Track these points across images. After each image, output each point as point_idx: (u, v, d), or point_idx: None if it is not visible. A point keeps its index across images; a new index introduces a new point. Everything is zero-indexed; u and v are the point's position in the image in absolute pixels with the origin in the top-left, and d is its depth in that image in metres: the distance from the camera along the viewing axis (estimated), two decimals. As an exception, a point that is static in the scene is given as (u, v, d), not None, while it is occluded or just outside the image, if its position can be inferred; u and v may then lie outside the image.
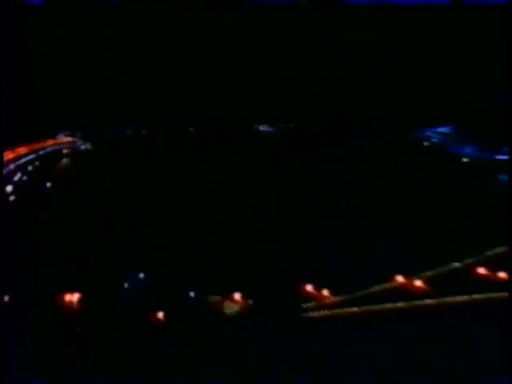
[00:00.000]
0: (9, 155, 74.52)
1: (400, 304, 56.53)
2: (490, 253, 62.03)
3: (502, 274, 59.45)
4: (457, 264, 61.10)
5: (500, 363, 47.58)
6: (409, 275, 60.45)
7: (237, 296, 56.87)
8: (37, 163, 78.36)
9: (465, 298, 56.24)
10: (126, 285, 59.29)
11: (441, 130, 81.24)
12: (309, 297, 58.38)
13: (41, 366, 53.48)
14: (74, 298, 57.95)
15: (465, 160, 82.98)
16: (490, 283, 57.77)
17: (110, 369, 50.15)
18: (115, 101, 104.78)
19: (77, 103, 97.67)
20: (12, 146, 76.41)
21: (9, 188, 72.18)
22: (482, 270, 59.01)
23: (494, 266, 59.48)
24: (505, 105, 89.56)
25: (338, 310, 58.07)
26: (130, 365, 51.00)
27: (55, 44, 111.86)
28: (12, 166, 73.17)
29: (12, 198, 73.31)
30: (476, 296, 56.59)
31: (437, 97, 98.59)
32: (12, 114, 78.11)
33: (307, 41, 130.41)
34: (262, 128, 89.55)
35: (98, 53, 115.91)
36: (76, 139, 78.04)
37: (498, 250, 62.62)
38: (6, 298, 58.98)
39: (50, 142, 75.99)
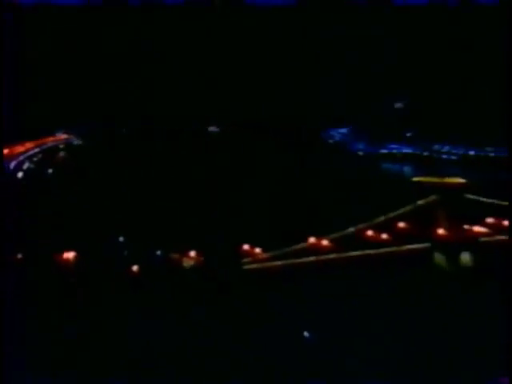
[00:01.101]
0: (19, 149, 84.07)
1: (312, 258, 69.12)
2: (376, 220, 72.75)
3: (384, 236, 70.61)
4: (352, 228, 71.93)
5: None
6: (318, 237, 70.95)
7: (192, 253, 68.57)
8: (40, 155, 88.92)
9: (358, 253, 68.69)
10: (111, 246, 69.67)
11: (341, 130, 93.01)
12: (246, 254, 69.89)
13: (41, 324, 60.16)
14: (70, 255, 68.58)
15: (360, 153, 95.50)
16: (376, 243, 69.75)
17: (100, 308, 59.52)
18: (109, 100, 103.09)
19: (74, 103, 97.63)
20: (18, 142, 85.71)
21: (20, 174, 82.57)
22: (370, 233, 71.16)
23: (378, 230, 71.30)
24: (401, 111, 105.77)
25: (267, 264, 69.15)
26: (115, 306, 60.18)
27: (55, 44, 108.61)
28: (22, 157, 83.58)
29: (22, 180, 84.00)
30: (367, 251, 68.57)
31: (340, 102, 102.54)
32: (14, 114, 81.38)
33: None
34: (210, 128, 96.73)
35: (97, 53, 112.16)
36: (70, 136, 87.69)
37: (382, 218, 72.87)
38: (16, 256, 67.74)
39: (50, 138, 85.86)
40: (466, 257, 69.45)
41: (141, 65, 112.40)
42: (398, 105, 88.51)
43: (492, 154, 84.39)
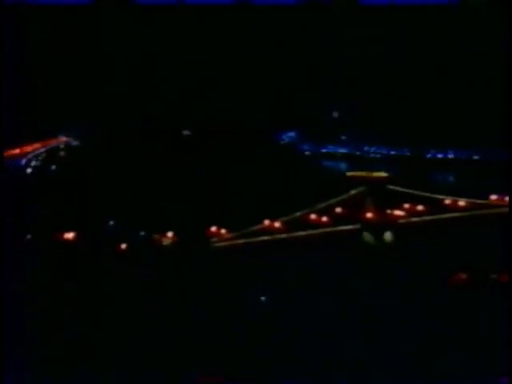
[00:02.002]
0: (28, 149, 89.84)
1: (266, 237, 77.07)
2: (318, 206, 79.68)
3: (325, 218, 78.63)
4: (298, 213, 79.02)
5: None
6: (272, 219, 78.27)
7: (169, 234, 76.61)
8: (44, 154, 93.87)
9: (303, 233, 76.86)
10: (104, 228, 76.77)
11: (290, 133, 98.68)
12: (213, 234, 77.51)
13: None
14: (70, 235, 76.09)
15: (307, 153, 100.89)
16: (317, 224, 77.73)
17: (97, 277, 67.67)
18: (110, 101, 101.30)
19: (74, 104, 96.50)
20: (27, 143, 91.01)
21: (28, 170, 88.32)
22: (313, 216, 78.81)
23: (319, 214, 78.65)
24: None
25: (231, 242, 77.06)
26: (106, 276, 68.49)
27: (54, 45, 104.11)
28: (30, 156, 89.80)
29: (30, 174, 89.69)
30: (311, 231, 76.80)
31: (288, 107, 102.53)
32: (20, 116, 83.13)
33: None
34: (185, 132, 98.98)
35: (96, 55, 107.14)
36: (70, 138, 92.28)
37: (322, 204, 79.79)
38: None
39: (53, 140, 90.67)
40: (388, 235, 78.43)
41: (132, 67, 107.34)
42: (335, 113, 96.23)
43: (408, 154, 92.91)
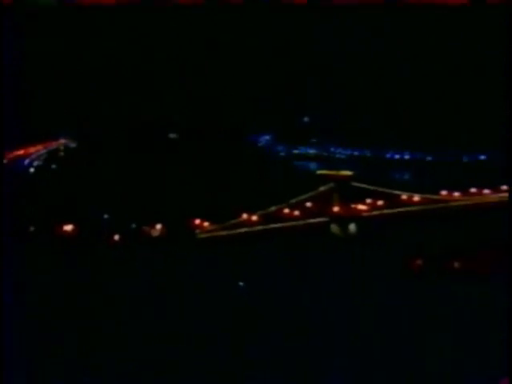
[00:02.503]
0: (31, 150, 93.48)
1: (244, 229, 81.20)
2: (290, 201, 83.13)
3: (297, 212, 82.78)
4: (273, 207, 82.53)
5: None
6: (250, 213, 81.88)
7: (158, 226, 79.62)
8: (45, 155, 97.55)
9: (278, 225, 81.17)
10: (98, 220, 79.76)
11: (265, 136, 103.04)
12: (197, 226, 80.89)
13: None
14: (68, 227, 79.34)
15: (281, 154, 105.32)
16: (290, 218, 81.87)
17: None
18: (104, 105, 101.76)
19: (72, 109, 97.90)
20: (30, 145, 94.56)
21: (31, 169, 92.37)
22: (286, 211, 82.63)
23: (292, 208, 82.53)
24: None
25: (213, 233, 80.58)
26: (103, 263, 71.90)
27: (54, 46, 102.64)
28: (33, 156, 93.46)
29: (33, 173, 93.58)
30: (284, 224, 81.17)
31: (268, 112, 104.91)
32: (19, 119, 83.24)
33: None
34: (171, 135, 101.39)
35: (95, 57, 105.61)
36: (68, 140, 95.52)
37: (295, 200, 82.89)
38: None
39: (54, 142, 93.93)
40: (352, 226, 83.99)
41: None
42: (305, 118, 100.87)
43: (369, 154, 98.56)
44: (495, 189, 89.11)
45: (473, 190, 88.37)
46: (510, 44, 78.62)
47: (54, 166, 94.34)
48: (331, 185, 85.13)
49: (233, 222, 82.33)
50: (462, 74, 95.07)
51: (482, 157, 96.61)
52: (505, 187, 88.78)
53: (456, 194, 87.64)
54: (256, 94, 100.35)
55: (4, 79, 76.32)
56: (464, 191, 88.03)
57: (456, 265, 74.39)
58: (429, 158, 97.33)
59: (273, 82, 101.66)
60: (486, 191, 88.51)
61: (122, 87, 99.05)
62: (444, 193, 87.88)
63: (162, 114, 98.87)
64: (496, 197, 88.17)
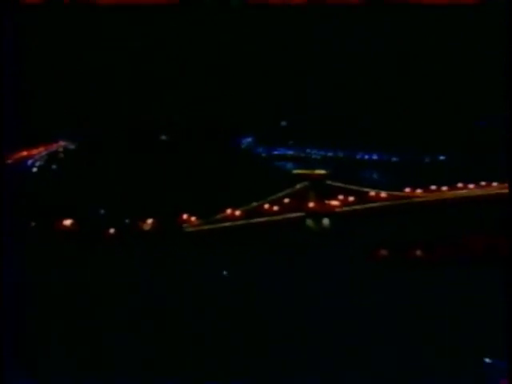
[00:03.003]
0: (34, 151, 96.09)
1: (228, 223, 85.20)
2: (270, 198, 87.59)
3: (276, 208, 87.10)
4: (255, 203, 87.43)
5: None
6: (233, 209, 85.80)
7: (149, 221, 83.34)
8: (46, 156, 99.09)
9: (259, 219, 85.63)
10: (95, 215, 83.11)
11: (248, 139, 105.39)
12: (185, 221, 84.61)
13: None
14: (68, 222, 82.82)
15: (262, 155, 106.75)
16: (271, 213, 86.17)
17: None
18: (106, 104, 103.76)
19: (72, 112, 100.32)
20: (32, 146, 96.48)
21: (34, 169, 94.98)
22: (266, 206, 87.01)
23: (272, 204, 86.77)
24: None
25: (199, 227, 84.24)
26: (99, 255, 75.07)
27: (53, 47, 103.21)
28: (36, 157, 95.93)
29: (36, 173, 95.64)
30: (265, 218, 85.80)
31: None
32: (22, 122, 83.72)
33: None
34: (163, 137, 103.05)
35: (94, 58, 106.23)
36: (67, 142, 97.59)
37: (274, 196, 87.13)
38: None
39: (54, 144, 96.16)
40: (326, 221, 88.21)
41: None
42: (283, 122, 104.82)
43: (341, 155, 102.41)
44: (452, 186, 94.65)
45: (433, 187, 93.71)
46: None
47: (54, 167, 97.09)
48: (307, 183, 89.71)
49: (218, 216, 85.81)
50: (427, 83, 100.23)
51: (441, 157, 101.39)
52: (461, 185, 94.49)
53: (418, 190, 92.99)
54: (241, 101, 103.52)
55: (4, 79, 76.12)
56: (425, 188, 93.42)
57: (417, 254, 78.87)
58: (394, 159, 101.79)
59: (255, 91, 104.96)
60: (444, 188, 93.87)
61: (115, 89, 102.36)
62: (407, 190, 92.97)
63: (155, 117, 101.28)
64: (453, 193, 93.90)
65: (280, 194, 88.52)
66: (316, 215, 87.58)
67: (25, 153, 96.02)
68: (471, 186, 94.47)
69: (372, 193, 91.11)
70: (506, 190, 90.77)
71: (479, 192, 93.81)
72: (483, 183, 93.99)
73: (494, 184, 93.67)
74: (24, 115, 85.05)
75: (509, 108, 62.74)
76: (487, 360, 52.73)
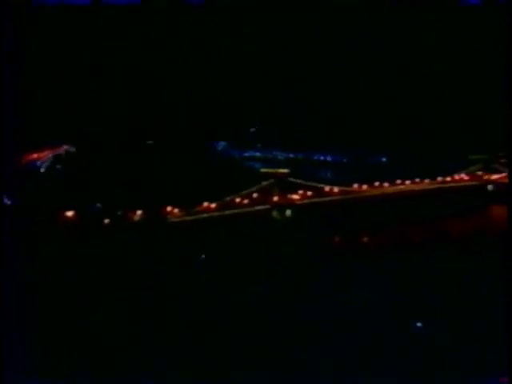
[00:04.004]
0: (42, 154, 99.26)
1: (205, 215, 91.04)
2: (240, 193, 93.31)
3: (246, 201, 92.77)
4: (228, 197, 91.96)
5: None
6: (209, 202, 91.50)
7: (139, 212, 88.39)
8: (52, 158, 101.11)
9: (231, 211, 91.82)
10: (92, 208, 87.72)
11: (222, 142, 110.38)
12: (169, 212, 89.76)
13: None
14: (70, 213, 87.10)
15: (234, 156, 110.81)
16: (241, 206, 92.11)
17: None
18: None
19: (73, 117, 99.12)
20: (40, 150, 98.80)
21: (42, 169, 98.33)
22: (237, 200, 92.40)
23: (242, 198, 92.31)
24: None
25: (181, 218, 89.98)
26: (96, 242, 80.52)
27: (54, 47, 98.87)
28: (44, 158, 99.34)
29: (43, 172, 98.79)
30: (236, 211, 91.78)
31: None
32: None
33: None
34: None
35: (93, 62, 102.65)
36: (69, 146, 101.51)
37: (244, 192, 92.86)
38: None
39: (59, 148, 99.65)
40: (288, 212, 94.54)
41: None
42: (252, 128, 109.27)
43: (301, 156, 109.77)
44: (392, 183, 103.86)
45: (376, 183, 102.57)
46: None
47: (58, 167, 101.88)
48: (272, 180, 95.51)
49: (196, 209, 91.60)
50: (376, 88, 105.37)
51: (384, 159, 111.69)
52: (399, 181, 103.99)
53: (364, 186, 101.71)
54: (215, 109, 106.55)
55: (4, 79, 72.72)
56: (370, 184, 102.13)
57: (364, 240, 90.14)
58: (344, 160, 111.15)
59: (230, 100, 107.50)
60: (386, 184, 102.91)
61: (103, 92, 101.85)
62: (355, 186, 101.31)
63: (141, 123, 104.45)
64: (392, 189, 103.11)
65: (249, 190, 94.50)
66: (280, 207, 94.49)
67: (35, 155, 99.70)
68: (408, 182, 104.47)
69: (327, 188, 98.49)
70: (435, 186, 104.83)
71: (414, 187, 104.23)
72: (417, 180, 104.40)
73: (426, 181, 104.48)
74: (25, 118, 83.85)
75: (509, 108, 63.40)
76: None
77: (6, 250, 55.60)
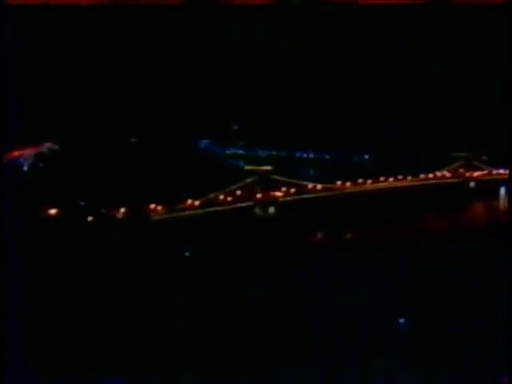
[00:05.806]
0: (25, 151, 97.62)
1: (189, 212, 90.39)
2: (224, 190, 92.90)
3: (229, 198, 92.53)
4: (212, 195, 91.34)
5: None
6: (193, 199, 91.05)
7: (122, 210, 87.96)
8: (35, 156, 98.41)
9: (215, 208, 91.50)
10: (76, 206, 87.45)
11: (205, 141, 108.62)
12: (152, 210, 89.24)
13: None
14: (53, 211, 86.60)
15: (217, 154, 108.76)
16: (225, 203, 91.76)
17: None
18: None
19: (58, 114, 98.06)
20: (23, 147, 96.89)
21: (25, 167, 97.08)
22: (221, 197, 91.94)
23: (226, 195, 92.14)
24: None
25: (166, 215, 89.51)
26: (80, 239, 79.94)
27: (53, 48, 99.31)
28: (27, 156, 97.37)
29: (26, 170, 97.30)
30: (220, 208, 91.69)
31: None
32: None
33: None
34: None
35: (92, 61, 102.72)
36: (52, 144, 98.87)
37: (227, 189, 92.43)
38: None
39: (41, 146, 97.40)
40: (271, 209, 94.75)
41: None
42: (235, 126, 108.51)
43: (283, 154, 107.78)
44: (375, 180, 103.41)
45: (360, 180, 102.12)
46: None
47: (41, 164, 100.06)
48: (255, 177, 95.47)
49: (180, 206, 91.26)
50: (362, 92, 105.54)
51: (366, 156, 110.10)
52: (382, 178, 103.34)
53: (347, 183, 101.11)
54: (197, 107, 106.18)
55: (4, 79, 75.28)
56: (353, 182, 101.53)
57: (347, 236, 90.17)
58: (327, 157, 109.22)
59: (209, 98, 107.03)
60: (369, 181, 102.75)
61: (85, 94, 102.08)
62: (339, 183, 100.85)
63: (126, 123, 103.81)
64: (375, 186, 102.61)
65: (233, 187, 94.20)
66: (263, 204, 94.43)
67: (17, 153, 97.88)
68: (390, 179, 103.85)
69: (310, 185, 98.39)
70: (417, 182, 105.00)
71: (396, 184, 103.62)
72: (400, 177, 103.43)
73: (409, 178, 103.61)
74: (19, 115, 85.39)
75: (509, 108, 64.31)
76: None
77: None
